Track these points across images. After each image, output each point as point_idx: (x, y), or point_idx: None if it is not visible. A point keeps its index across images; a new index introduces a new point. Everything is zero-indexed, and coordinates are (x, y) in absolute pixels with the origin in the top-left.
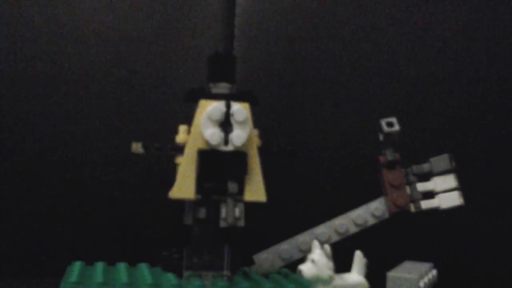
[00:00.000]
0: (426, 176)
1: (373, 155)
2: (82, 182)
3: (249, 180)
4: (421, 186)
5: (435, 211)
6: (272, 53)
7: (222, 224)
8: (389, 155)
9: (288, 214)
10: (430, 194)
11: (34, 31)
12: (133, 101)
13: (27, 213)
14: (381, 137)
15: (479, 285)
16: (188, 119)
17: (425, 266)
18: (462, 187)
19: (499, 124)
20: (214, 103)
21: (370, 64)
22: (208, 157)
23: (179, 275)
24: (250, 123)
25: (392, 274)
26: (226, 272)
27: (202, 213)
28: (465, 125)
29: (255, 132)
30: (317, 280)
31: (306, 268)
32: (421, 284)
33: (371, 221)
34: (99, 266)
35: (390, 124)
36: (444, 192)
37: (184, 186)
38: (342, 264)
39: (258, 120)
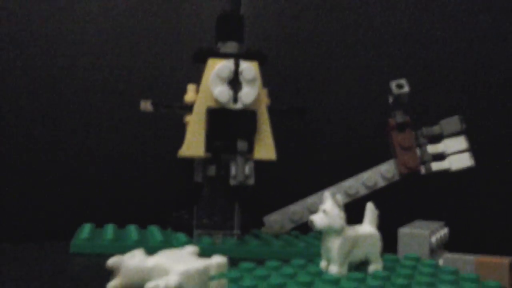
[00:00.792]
0: (436, 138)
1: (383, 116)
2: (91, 144)
3: (258, 138)
4: (432, 148)
5: (445, 173)
6: (280, 13)
7: (232, 182)
8: (399, 117)
9: (298, 175)
10: (440, 156)
11: None
12: (143, 62)
13: (36, 178)
14: (390, 99)
15: (490, 244)
16: (197, 79)
17: (436, 224)
18: (472, 148)
19: (510, 85)
20: (223, 61)
21: (380, 25)
22: (217, 115)
23: (190, 234)
24: (259, 82)
25: (403, 230)
26: (236, 231)
27: (212, 170)
28: (475, 86)
29: (264, 91)
30: (329, 230)
31: (318, 218)
32: (433, 239)
33: (381, 183)
34: (109, 227)
35: (400, 86)
36: (454, 153)
37: (193, 144)
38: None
39: (267, 80)
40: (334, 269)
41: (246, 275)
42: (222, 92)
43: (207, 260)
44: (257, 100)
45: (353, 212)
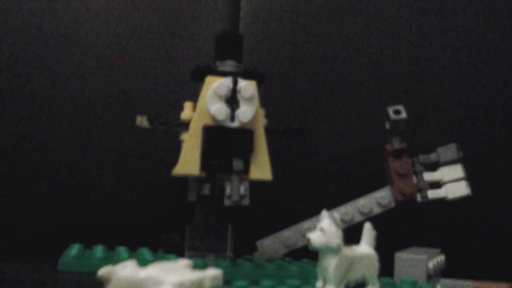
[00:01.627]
0: (433, 166)
1: (380, 143)
2: (81, 164)
3: (254, 158)
4: (428, 176)
5: (441, 201)
6: (278, 34)
7: (227, 202)
8: (396, 143)
9: (292, 200)
10: (437, 184)
11: None
12: (139, 79)
13: (24, 197)
14: (387, 125)
15: (486, 272)
16: (194, 97)
17: (432, 250)
18: (469, 177)
19: (508, 114)
20: (221, 79)
21: (380, 49)
22: (214, 133)
23: (181, 256)
24: (256, 101)
25: (400, 255)
26: (228, 254)
27: (206, 189)
28: (473, 115)
29: (262, 111)
30: (326, 248)
31: (315, 237)
32: (430, 265)
33: (377, 210)
34: (98, 248)
35: (397, 112)
36: (451, 182)
37: (188, 163)
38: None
39: (264, 100)
40: None
41: None
42: (219, 110)
43: (202, 272)
44: (254, 119)
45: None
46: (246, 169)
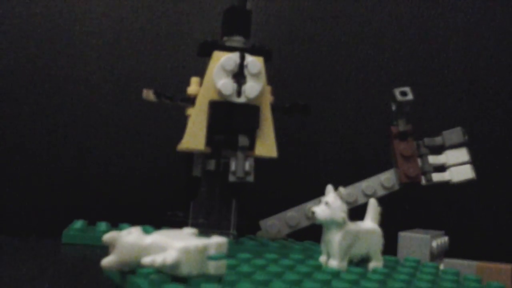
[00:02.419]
0: (438, 149)
1: (386, 124)
2: (85, 141)
3: (260, 134)
4: (433, 159)
5: (446, 184)
6: (286, 11)
7: (231, 178)
8: (401, 125)
9: (296, 181)
10: (441, 167)
11: None
12: (146, 55)
13: (29, 175)
14: (394, 107)
15: (490, 254)
16: (201, 73)
17: (436, 232)
18: (474, 161)
19: None
20: (229, 54)
21: (389, 31)
22: (220, 109)
23: None
24: (263, 77)
25: (404, 234)
26: (232, 231)
27: (211, 165)
28: (479, 98)
29: (269, 88)
30: (331, 222)
31: (319, 210)
32: (434, 244)
33: (381, 192)
34: (102, 224)
35: (403, 93)
36: (455, 165)
37: (194, 138)
38: None
39: (271, 78)
40: (334, 263)
41: (243, 264)
42: (225, 85)
43: (207, 240)
44: (261, 95)
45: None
46: (252, 146)
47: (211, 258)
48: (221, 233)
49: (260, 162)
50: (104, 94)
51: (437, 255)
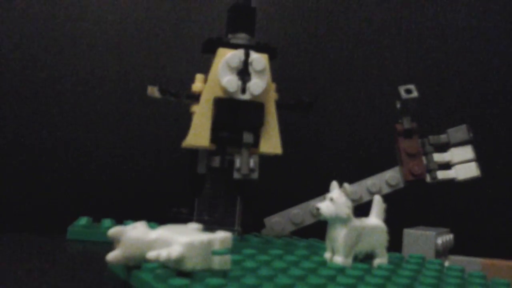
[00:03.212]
0: (443, 147)
1: (391, 122)
2: (90, 138)
3: (265, 131)
4: (438, 157)
5: (451, 182)
6: (292, 7)
7: (236, 175)
8: (406, 123)
9: (301, 178)
10: (446, 165)
11: None
12: (151, 51)
13: (35, 173)
14: (398, 104)
15: (495, 252)
16: (205, 70)
17: (441, 229)
18: (479, 159)
19: None
20: (233, 51)
21: (395, 28)
22: (224, 105)
23: None
24: (268, 74)
25: (409, 230)
26: (237, 228)
27: (216, 162)
28: (484, 96)
29: (273, 85)
30: (335, 218)
31: (324, 206)
32: (439, 241)
33: (386, 190)
34: (107, 220)
35: (408, 91)
36: (460, 163)
37: (198, 134)
38: None
39: (276, 75)
40: (339, 260)
41: (248, 259)
42: (230, 82)
43: (211, 235)
44: (265, 92)
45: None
46: (256, 143)
47: (216, 253)
48: (225, 229)
49: (265, 159)
50: (109, 91)
51: (442, 252)
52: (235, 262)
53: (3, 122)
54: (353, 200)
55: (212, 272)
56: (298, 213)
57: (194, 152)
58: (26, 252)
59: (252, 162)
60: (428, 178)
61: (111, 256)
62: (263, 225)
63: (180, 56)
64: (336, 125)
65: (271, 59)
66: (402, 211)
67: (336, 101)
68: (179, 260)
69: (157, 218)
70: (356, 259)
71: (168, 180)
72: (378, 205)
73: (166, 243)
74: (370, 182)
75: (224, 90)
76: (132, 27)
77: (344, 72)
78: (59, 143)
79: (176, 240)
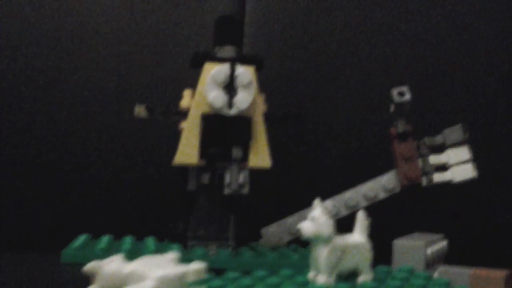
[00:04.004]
0: (439, 148)
1: (385, 125)
2: (88, 154)
3: (253, 146)
4: (434, 159)
5: (447, 184)
6: (284, 17)
7: (226, 191)
8: (400, 126)
9: (297, 187)
10: (443, 167)
11: None
12: (140, 66)
13: (34, 188)
14: (392, 108)
15: (494, 258)
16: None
17: (434, 236)
18: (476, 159)
19: None
20: (219, 65)
21: (384, 32)
22: (212, 121)
23: (185, 245)
24: (255, 87)
25: (398, 242)
26: (231, 243)
27: (205, 179)
28: (480, 95)
29: (261, 97)
30: (317, 238)
31: (305, 226)
32: (429, 251)
33: (382, 195)
34: (105, 238)
35: (401, 94)
36: (457, 164)
37: (187, 152)
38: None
39: (268, 86)
40: (321, 279)
41: (229, 284)
42: (217, 97)
43: (185, 266)
44: (252, 106)
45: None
46: (245, 157)
47: (191, 285)
48: (220, 244)
49: (261, 169)
50: (100, 107)
51: (433, 262)
52: None
53: None
54: (349, 207)
55: None
56: (295, 223)
57: (183, 169)
58: (20, 273)
59: (242, 177)
60: (424, 182)
61: None
62: (260, 236)
63: (171, 70)
64: (332, 131)
65: (259, 70)
66: (399, 216)
67: (330, 105)
68: None
69: (157, 233)
70: (340, 277)
71: (168, 194)
72: (361, 221)
73: (140, 277)
74: (366, 187)
75: (211, 106)
76: (121, 42)
77: (337, 75)
78: (57, 159)
79: (149, 275)
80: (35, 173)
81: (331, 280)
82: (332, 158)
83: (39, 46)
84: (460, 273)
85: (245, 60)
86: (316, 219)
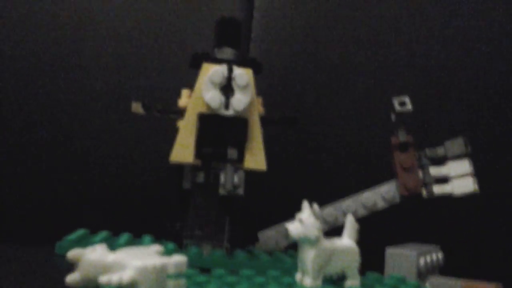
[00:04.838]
0: (440, 160)
1: (387, 135)
2: (87, 152)
3: (249, 147)
4: (434, 170)
5: (447, 197)
6: (291, 23)
7: (221, 191)
8: (401, 136)
9: (296, 192)
10: (443, 179)
11: None
12: (140, 65)
13: (35, 184)
14: (393, 117)
15: (490, 270)
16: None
17: (429, 247)
18: (477, 173)
19: None
20: (217, 66)
21: (386, 42)
22: (208, 121)
23: (180, 244)
24: (252, 89)
25: (391, 250)
26: (225, 244)
27: (200, 177)
28: (482, 108)
29: (259, 100)
30: (304, 240)
31: (293, 227)
32: (421, 261)
33: (381, 204)
34: (102, 233)
35: (402, 103)
36: (457, 177)
37: (183, 150)
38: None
39: (269, 89)
40: (308, 281)
41: (214, 281)
42: (213, 98)
43: (166, 258)
44: (249, 108)
45: None
46: (241, 158)
47: (170, 277)
48: (214, 245)
49: (259, 172)
50: (100, 105)
51: (427, 272)
52: (198, 284)
53: None
54: (346, 215)
55: None
56: None
57: (179, 167)
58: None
59: (236, 178)
60: (424, 193)
61: (70, 278)
62: (257, 239)
63: (170, 71)
64: (332, 137)
65: (257, 73)
66: (396, 226)
67: (331, 111)
68: (131, 285)
69: (155, 231)
70: (328, 280)
71: (167, 193)
72: (350, 226)
73: (121, 267)
74: (365, 196)
75: (208, 106)
76: (121, 41)
77: (340, 82)
78: (53, 155)
79: (129, 264)
80: (35, 171)
81: (318, 282)
82: (331, 164)
83: (40, 46)
84: (452, 285)
85: (243, 63)
86: (303, 221)
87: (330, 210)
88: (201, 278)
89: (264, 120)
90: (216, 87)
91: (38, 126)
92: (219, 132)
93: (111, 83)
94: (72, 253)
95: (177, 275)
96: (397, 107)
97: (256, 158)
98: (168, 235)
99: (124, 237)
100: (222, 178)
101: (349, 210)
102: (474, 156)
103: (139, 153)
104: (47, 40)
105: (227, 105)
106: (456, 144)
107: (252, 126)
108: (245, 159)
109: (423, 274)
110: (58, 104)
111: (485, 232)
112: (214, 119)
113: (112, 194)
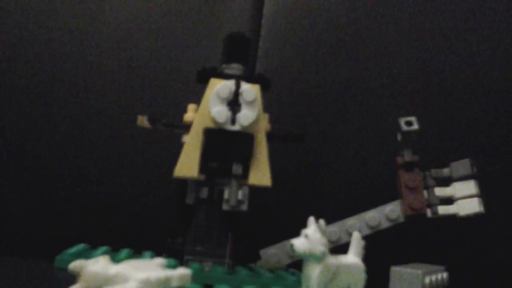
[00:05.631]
0: (445, 181)
1: (392, 154)
2: (89, 166)
3: (254, 163)
4: (440, 191)
5: (452, 218)
6: (298, 39)
7: (225, 206)
8: (407, 156)
9: (299, 210)
10: (448, 200)
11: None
12: (147, 79)
13: (37, 201)
14: (399, 137)
15: None
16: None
17: (434, 267)
18: (483, 194)
19: None
20: (224, 81)
21: (394, 61)
22: (214, 136)
23: (181, 260)
24: (259, 105)
25: (396, 268)
26: (227, 260)
27: (204, 193)
28: (489, 129)
29: (266, 116)
30: (309, 255)
31: (298, 243)
32: (426, 280)
33: (385, 224)
34: (102, 248)
35: (409, 123)
36: (463, 198)
37: (187, 165)
38: None
39: (276, 106)
40: None
41: None
42: (220, 112)
43: (170, 271)
44: (256, 124)
45: None
46: (246, 174)
47: None
48: (216, 261)
49: (262, 189)
50: (103, 121)
51: None
52: None
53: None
54: (350, 234)
55: None
56: None
57: (183, 182)
58: (12, 278)
59: (240, 194)
60: (429, 213)
61: None
62: (259, 257)
63: (177, 86)
64: (336, 155)
65: (264, 90)
66: (401, 246)
67: (338, 131)
68: None
69: (155, 247)
70: None
71: (168, 209)
72: (356, 242)
73: (124, 279)
74: (369, 215)
75: (214, 120)
76: (129, 54)
77: (347, 102)
78: (58, 166)
79: (133, 277)
80: (36, 185)
81: None
82: (336, 182)
83: (49, 63)
84: None
85: (251, 78)
86: (309, 237)
87: (334, 229)
88: None
89: (270, 137)
90: (223, 102)
91: (40, 140)
92: (225, 147)
93: (118, 97)
94: (74, 265)
95: None
96: (403, 126)
97: (261, 175)
98: (168, 250)
99: (125, 252)
100: (226, 193)
101: (353, 229)
102: (480, 177)
103: (142, 168)
104: (56, 54)
105: (233, 120)
106: (463, 165)
107: (258, 142)
108: (250, 175)
109: None
110: (61, 117)
111: (490, 253)
112: (220, 134)
113: (113, 209)
